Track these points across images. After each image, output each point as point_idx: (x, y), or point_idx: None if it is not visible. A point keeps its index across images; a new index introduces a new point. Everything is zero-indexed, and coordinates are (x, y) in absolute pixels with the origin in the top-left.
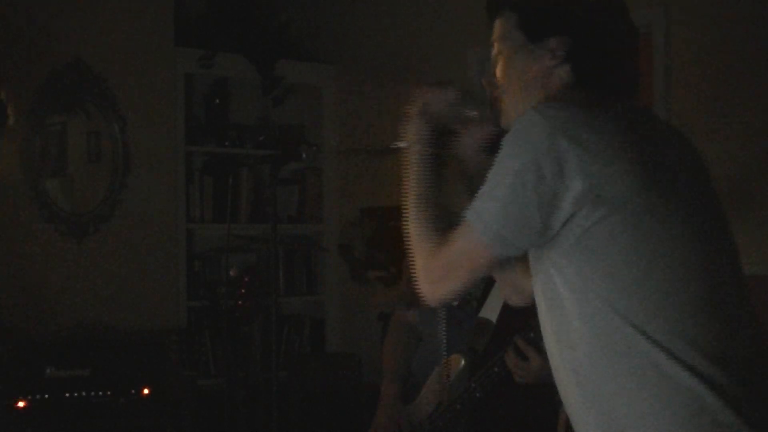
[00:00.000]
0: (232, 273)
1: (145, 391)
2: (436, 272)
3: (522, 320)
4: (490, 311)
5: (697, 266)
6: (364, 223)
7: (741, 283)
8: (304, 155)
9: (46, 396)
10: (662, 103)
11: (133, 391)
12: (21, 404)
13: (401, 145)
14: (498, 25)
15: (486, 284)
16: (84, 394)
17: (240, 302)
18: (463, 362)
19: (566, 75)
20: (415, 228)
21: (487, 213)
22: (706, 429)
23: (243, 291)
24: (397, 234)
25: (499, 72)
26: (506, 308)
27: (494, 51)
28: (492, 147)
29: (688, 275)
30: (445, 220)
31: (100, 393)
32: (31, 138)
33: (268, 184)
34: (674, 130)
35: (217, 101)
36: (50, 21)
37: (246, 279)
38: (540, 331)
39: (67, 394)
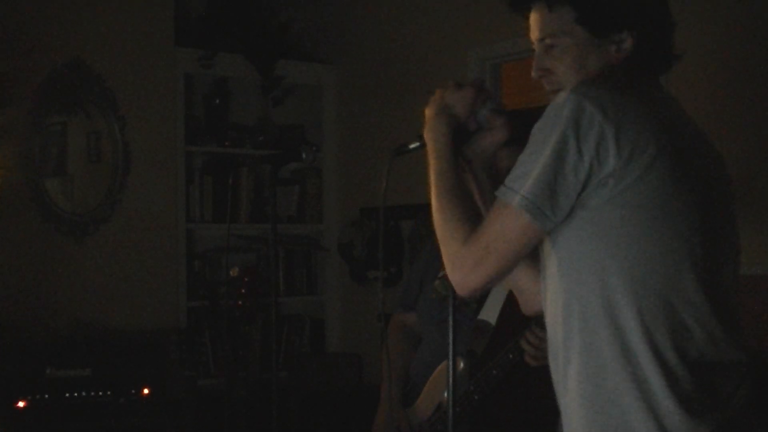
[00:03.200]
0: (232, 273)
1: (145, 391)
2: (469, 259)
3: (521, 323)
4: (490, 313)
5: (697, 259)
6: (364, 223)
7: (735, 286)
8: (304, 155)
9: (46, 396)
10: None
11: (133, 391)
12: (21, 404)
13: (417, 144)
14: (550, 20)
15: None
16: (84, 394)
17: (240, 302)
18: (462, 365)
19: (628, 64)
20: (442, 220)
21: (524, 188)
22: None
23: (243, 291)
24: (397, 234)
25: (557, 65)
26: (505, 310)
27: (544, 44)
28: (508, 144)
29: (687, 266)
30: (472, 211)
31: (100, 393)
32: (31, 138)
33: (268, 184)
34: (701, 128)
35: (217, 101)
36: (50, 21)
37: (246, 279)
38: None
39: (67, 394)
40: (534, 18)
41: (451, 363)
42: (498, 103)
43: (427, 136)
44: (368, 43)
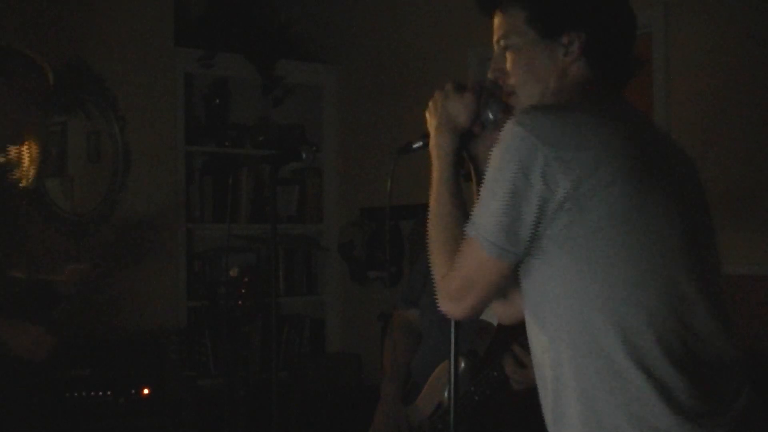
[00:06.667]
0: (232, 273)
1: (145, 391)
2: (454, 292)
3: (523, 324)
4: (492, 314)
5: (675, 267)
6: (364, 223)
7: (718, 291)
8: (304, 155)
9: (46, 396)
10: (662, 103)
11: (133, 391)
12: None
13: (420, 144)
14: (504, 21)
15: None
16: (84, 394)
17: (240, 302)
18: (463, 365)
19: (582, 69)
20: (432, 246)
21: (484, 228)
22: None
23: (243, 291)
24: (397, 234)
25: (510, 67)
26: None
27: (500, 46)
28: None
29: (664, 276)
30: (457, 240)
31: (100, 393)
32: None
33: (268, 184)
34: (668, 137)
35: (217, 101)
36: (50, 21)
37: (246, 279)
38: None
39: (67, 394)
40: (495, 20)
41: (453, 365)
42: (503, 101)
43: (432, 150)
44: (368, 43)
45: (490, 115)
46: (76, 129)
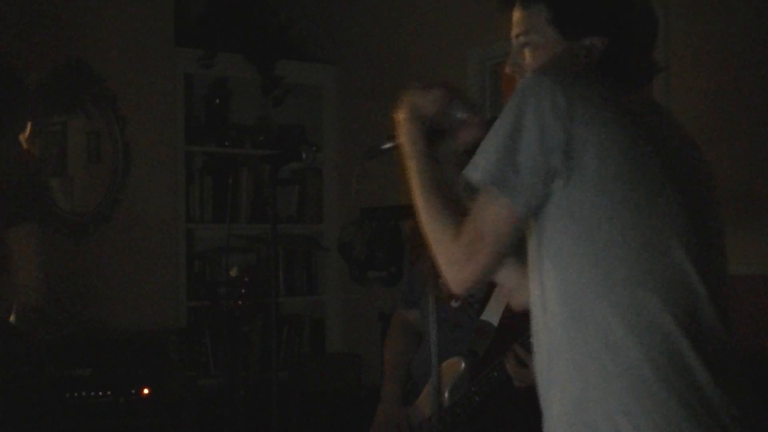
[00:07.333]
0: (232, 273)
1: (145, 391)
2: (460, 253)
3: (523, 324)
4: (492, 314)
5: (682, 244)
6: (364, 223)
7: (723, 281)
8: (304, 155)
9: (47, 396)
10: (662, 102)
11: (133, 391)
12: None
13: (389, 145)
14: (525, 17)
15: (488, 287)
16: (84, 394)
17: (240, 302)
18: (463, 365)
19: (602, 71)
20: (430, 219)
21: (492, 169)
22: (646, 412)
23: (243, 291)
24: (397, 234)
25: (528, 64)
26: (508, 311)
27: (518, 41)
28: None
29: (668, 255)
30: (457, 206)
31: (100, 393)
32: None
33: (268, 184)
34: (685, 131)
35: (217, 101)
36: (50, 21)
37: (246, 279)
38: None
39: (67, 394)
40: (514, 15)
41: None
42: (470, 102)
43: (402, 140)
44: (368, 43)
45: (458, 114)
46: (76, 129)
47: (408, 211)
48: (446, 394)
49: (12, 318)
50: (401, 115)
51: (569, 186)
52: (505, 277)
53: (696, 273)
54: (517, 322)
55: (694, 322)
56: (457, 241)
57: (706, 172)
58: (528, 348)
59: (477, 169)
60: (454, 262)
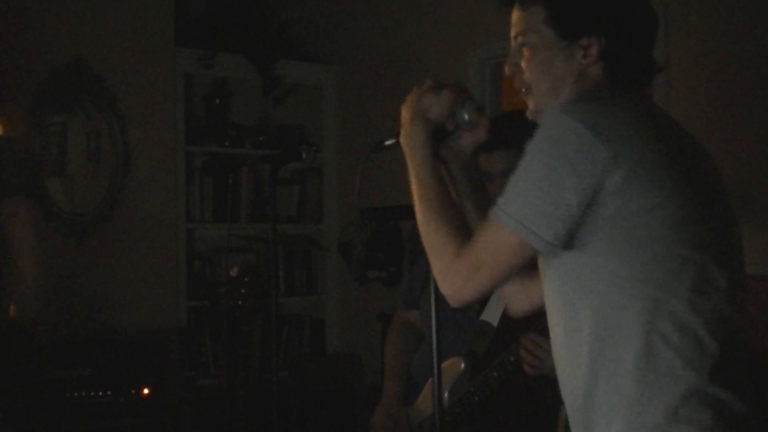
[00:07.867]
0: (232, 273)
1: (145, 391)
2: (462, 272)
3: (523, 324)
4: (492, 315)
5: (711, 254)
6: (364, 223)
7: (744, 286)
8: (304, 155)
9: (46, 396)
10: (662, 102)
11: (133, 391)
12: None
13: (393, 141)
14: (522, 18)
15: None
16: (84, 394)
17: (240, 302)
18: (463, 365)
19: (600, 72)
20: (431, 231)
21: (517, 209)
22: (684, 419)
23: (243, 291)
24: (397, 234)
25: (525, 65)
26: (507, 312)
27: (516, 42)
28: (485, 148)
29: (698, 265)
30: (461, 220)
31: (100, 393)
32: (31, 138)
33: (268, 184)
34: (691, 135)
35: (217, 101)
36: (50, 21)
37: (246, 279)
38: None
39: (67, 394)
40: (512, 16)
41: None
42: (479, 103)
43: (404, 142)
44: (368, 43)
45: (465, 116)
46: (76, 129)
47: (408, 211)
48: (446, 394)
49: (12, 311)
50: (406, 115)
51: (615, 216)
52: (508, 285)
53: (726, 283)
54: (517, 323)
55: (727, 337)
56: (459, 258)
57: (720, 176)
58: (545, 334)
59: (507, 215)
60: (453, 279)
